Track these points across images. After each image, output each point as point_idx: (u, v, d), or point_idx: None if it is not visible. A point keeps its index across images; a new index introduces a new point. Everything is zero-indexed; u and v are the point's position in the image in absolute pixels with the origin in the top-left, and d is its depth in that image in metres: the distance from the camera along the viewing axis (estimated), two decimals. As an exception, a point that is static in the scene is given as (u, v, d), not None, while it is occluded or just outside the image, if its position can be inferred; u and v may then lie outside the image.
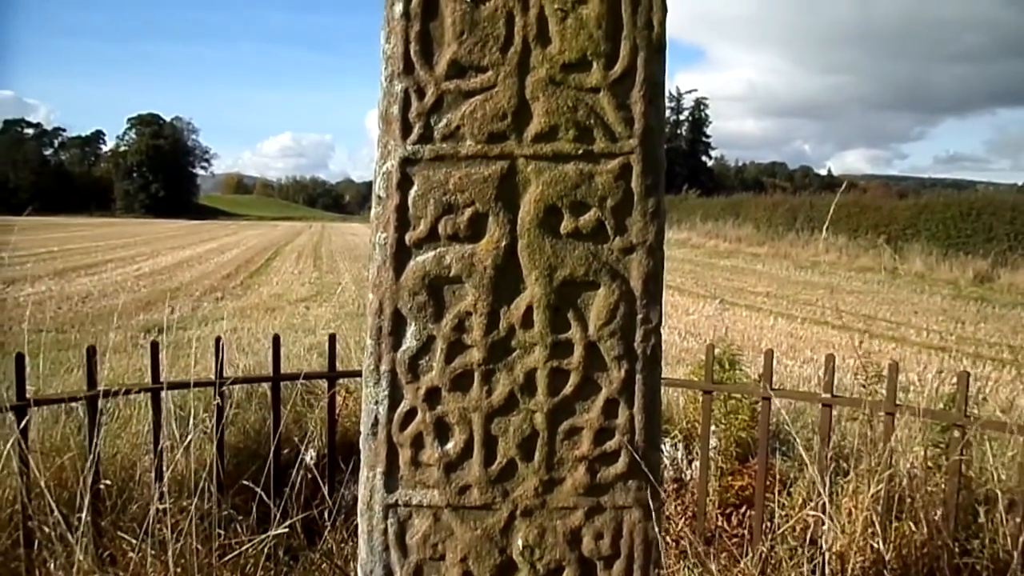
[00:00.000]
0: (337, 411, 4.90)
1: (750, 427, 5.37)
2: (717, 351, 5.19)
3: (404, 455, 2.34)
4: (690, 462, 5.35)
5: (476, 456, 2.34)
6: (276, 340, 4.14)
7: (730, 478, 4.97)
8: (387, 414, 2.33)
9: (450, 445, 2.35)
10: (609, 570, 2.36)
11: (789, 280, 22.46)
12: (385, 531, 2.35)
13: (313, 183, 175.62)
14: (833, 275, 23.60)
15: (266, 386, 6.06)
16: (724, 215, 38.65)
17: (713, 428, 4.98)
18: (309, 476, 4.59)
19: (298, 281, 19.90)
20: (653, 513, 2.37)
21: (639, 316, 2.33)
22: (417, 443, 2.34)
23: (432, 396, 2.33)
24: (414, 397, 2.33)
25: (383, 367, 2.32)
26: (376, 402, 2.33)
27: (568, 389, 2.33)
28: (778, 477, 4.10)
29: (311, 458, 4.78)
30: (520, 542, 2.35)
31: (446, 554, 2.35)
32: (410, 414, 2.34)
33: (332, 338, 4.34)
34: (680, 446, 5.47)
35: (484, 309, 2.30)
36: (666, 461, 5.08)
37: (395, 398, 2.33)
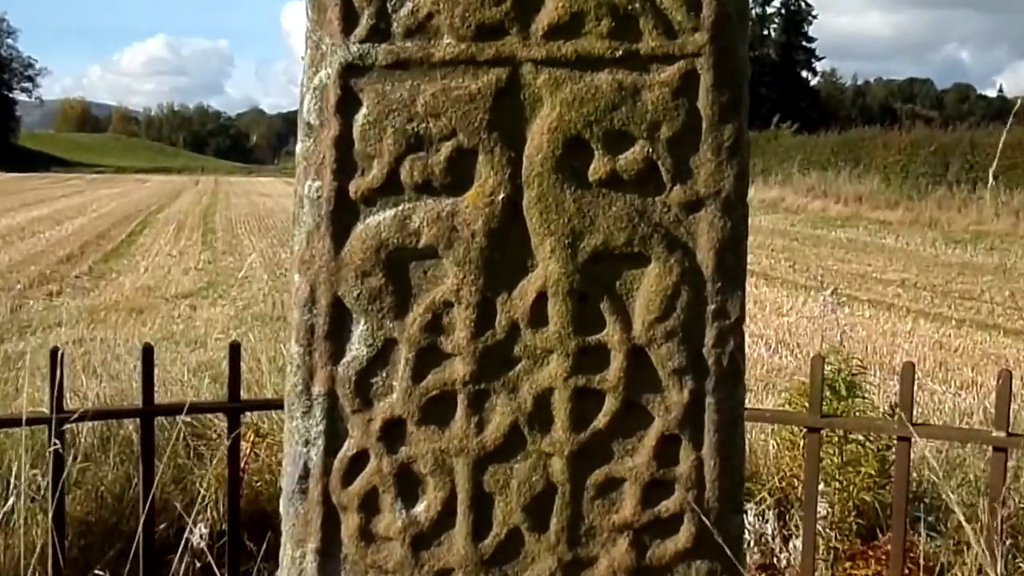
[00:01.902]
0: (242, 463, 4.91)
1: (878, 486, 5.39)
2: (828, 367, 5.20)
3: (350, 523, 2.35)
4: (786, 539, 5.37)
5: (461, 524, 2.35)
6: (148, 353, 4.14)
7: (848, 564, 4.99)
8: (323, 460, 2.34)
9: (420, 508, 2.36)
10: None
11: (937, 261, 22.52)
12: (321, 641, 2.37)
13: (201, 115, 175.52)
14: (1006, 252, 23.67)
15: (131, 426, 6.09)
16: (836, 161, 38.67)
17: (822, 487, 5.00)
18: (198, 564, 4.61)
19: (179, 267, 19.90)
20: (733, 611, 2.39)
21: (711, 307, 2.34)
22: (369, 505, 2.35)
23: (392, 432, 2.34)
24: (364, 434, 2.34)
25: (316, 388, 2.33)
26: (306, 442, 2.35)
27: (602, 421, 2.34)
28: (923, 562, 4.13)
29: (200, 537, 4.79)
30: (529, 656, 2.37)
31: (415, 675, 2.37)
32: (359, 460, 2.35)
33: (235, 350, 4.35)
34: (771, 515, 5.48)
35: (472, 298, 2.31)
36: (749, 536, 5.11)
37: (335, 436, 2.35)
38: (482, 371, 2.33)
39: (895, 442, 4.33)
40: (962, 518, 3.57)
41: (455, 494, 2.35)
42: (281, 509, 2.42)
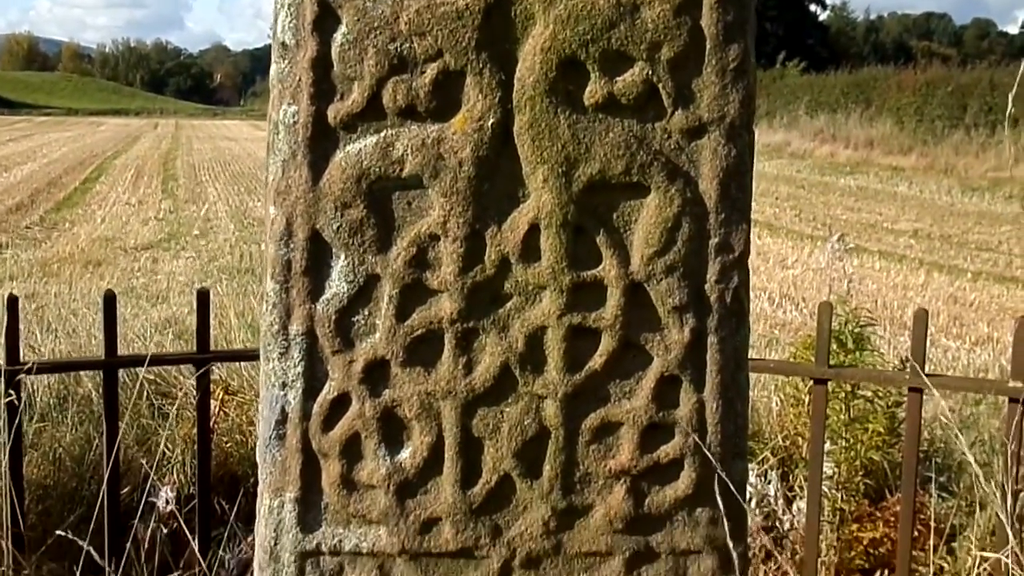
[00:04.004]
0: (212, 422, 4.93)
1: (887, 445, 5.45)
2: (836, 319, 5.25)
3: (330, 471, 2.38)
4: (790, 501, 5.44)
5: (448, 471, 2.38)
6: (110, 301, 4.15)
7: (855, 526, 5.06)
8: (302, 405, 2.37)
9: (405, 454, 2.39)
10: (664, 653, 2.44)
11: (952, 210, 22.59)
12: (301, 595, 2.41)
13: (159, 52, 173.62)
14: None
15: (91, 383, 6.08)
16: (846, 103, 38.60)
17: (828, 446, 5.06)
18: (165, 530, 4.64)
19: (138, 216, 19.82)
20: (736, 561, 2.43)
21: (713, 241, 2.36)
22: (351, 451, 2.38)
23: (375, 373, 2.36)
24: (346, 376, 2.36)
25: (294, 327, 2.35)
26: (283, 385, 2.37)
27: (598, 361, 2.37)
28: (933, 524, 4.19)
29: (167, 501, 4.83)
30: (520, 609, 2.41)
31: (401, 631, 2.41)
32: (339, 404, 2.38)
33: (203, 297, 4.36)
34: (773, 475, 5.55)
35: (460, 231, 2.32)
36: (751, 497, 5.17)
37: (315, 378, 2.37)
38: (470, 309, 2.34)
39: (905, 398, 4.37)
40: (977, 470, 3.63)
41: (442, 439, 2.38)
42: (257, 456, 2.45)
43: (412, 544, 2.39)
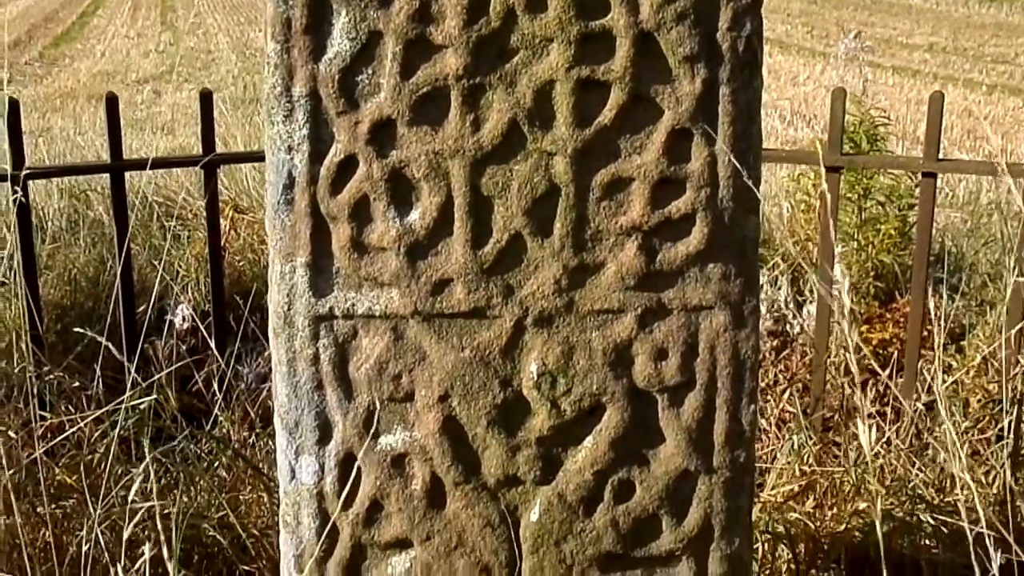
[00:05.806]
0: (223, 239, 4.96)
1: (899, 247, 5.49)
2: (851, 119, 5.21)
3: (340, 234, 2.38)
4: (800, 306, 5.51)
5: (459, 231, 2.38)
6: (112, 103, 4.13)
7: (865, 328, 5.13)
8: (308, 168, 2.35)
9: (415, 215, 2.38)
10: (678, 407, 2.47)
11: (969, 22, 22.15)
12: (316, 358, 2.44)
13: None
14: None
15: (101, 208, 6.12)
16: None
17: (840, 248, 5.08)
18: (183, 347, 4.73)
19: (138, 49, 19.61)
20: (747, 317, 2.45)
21: (725, -14, 2.31)
22: (360, 214, 2.37)
23: (381, 134, 2.33)
24: (351, 138, 2.33)
25: (297, 89, 2.32)
26: (289, 149, 2.35)
27: (607, 115, 2.33)
28: (943, 324, 4.23)
29: (183, 318, 4.91)
30: (534, 368, 2.44)
31: (416, 390, 2.45)
32: (346, 166, 2.35)
33: (206, 99, 4.34)
34: (784, 282, 5.61)
35: (463, -19, 2.26)
36: (762, 303, 5.22)
37: (320, 140, 2.34)
38: (476, 64, 2.30)
39: (921, 178, 4.36)
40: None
41: (451, 199, 2.36)
42: (266, 223, 2.45)
43: (424, 305, 2.41)
